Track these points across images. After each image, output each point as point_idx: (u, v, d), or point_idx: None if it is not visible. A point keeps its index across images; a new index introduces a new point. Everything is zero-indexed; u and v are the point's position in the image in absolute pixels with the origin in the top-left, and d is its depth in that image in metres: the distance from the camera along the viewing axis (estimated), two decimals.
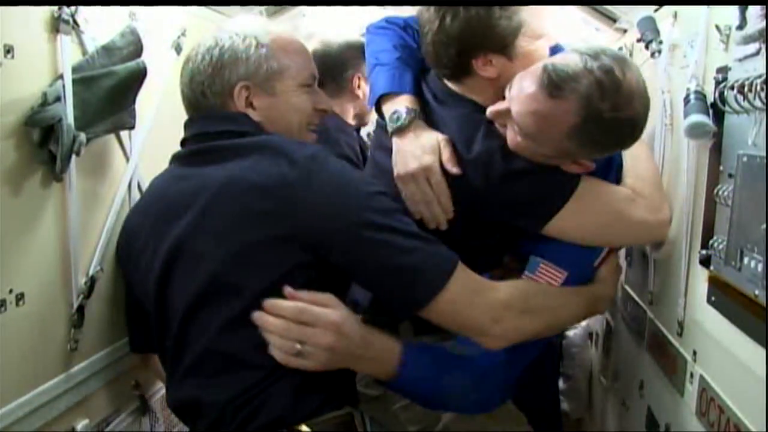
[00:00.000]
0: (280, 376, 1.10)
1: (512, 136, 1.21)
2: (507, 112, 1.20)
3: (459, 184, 1.24)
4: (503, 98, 1.24)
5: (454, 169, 1.22)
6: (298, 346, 1.06)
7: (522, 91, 1.17)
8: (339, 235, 1.06)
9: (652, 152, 1.39)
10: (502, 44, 1.24)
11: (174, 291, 1.15)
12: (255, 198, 1.06)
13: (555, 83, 1.13)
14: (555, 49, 1.35)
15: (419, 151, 1.25)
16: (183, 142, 1.26)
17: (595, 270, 1.31)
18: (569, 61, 1.14)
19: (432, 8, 1.25)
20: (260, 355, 1.08)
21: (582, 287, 1.28)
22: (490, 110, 1.24)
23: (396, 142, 1.30)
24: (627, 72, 1.14)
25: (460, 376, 1.18)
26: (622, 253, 1.89)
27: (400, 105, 1.32)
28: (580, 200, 1.23)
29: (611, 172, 1.33)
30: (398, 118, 1.29)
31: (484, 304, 1.14)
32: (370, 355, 1.10)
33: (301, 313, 1.06)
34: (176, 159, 1.25)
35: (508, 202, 1.21)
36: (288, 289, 1.06)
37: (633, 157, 1.33)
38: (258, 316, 1.07)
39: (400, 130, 1.29)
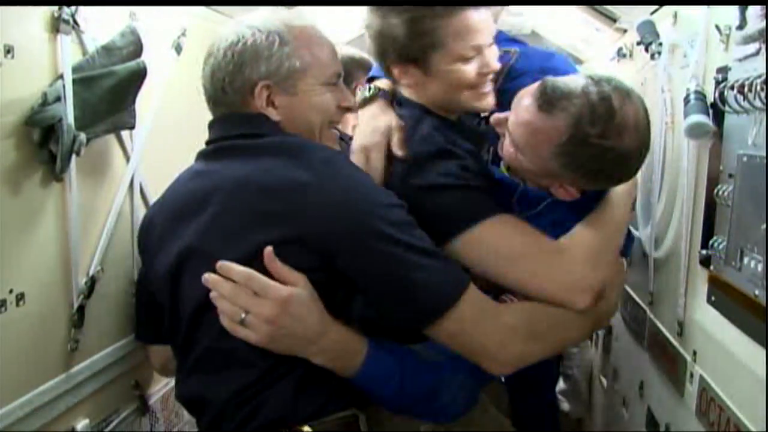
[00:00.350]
0: (282, 375, 1.09)
1: (506, 145, 1.23)
2: (506, 121, 1.22)
3: (391, 176, 1.26)
4: (451, 108, 1.30)
5: (399, 152, 1.24)
6: (243, 315, 1.05)
7: (519, 102, 1.19)
8: (346, 240, 1.04)
9: (621, 225, 1.28)
10: (408, 58, 1.26)
11: (184, 289, 1.15)
12: (264, 199, 1.06)
13: (548, 98, 1.13)
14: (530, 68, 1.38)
15: (370, 129, 1.28)
16: (207, 143, 1.25)
17: None
18: (570, 80, 1.15)
19: (372, 8, 1.29)
20: (260, 354, 1.08)
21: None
22: (494, 117, 1.26)
23: (359, 116, 1.35)
24: (627, 104, 1.12)
25: (423, 381, 1.16)
26: None
27: (374, 84, 1.38)
28: (488, 230, 1.18)
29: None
30: (364, 92, 1.35)
31: (491, 327, 1.12)
32: (325, 345, 1.07)
33: (249, 280, 1.04)
34: (200, 156, 1.24)
35: (415, 210, 1.15)
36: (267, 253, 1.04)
37: (594, 220, 1.24)
38: (209, 277, 1.06)
39: (364, 103, 1.34)
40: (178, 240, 1.15)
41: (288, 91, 1.16)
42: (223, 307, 1.07)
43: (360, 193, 1.07)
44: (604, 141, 1.11)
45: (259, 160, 1.10)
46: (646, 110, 1.16)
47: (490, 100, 1.33)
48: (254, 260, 1.05)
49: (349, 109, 1.28)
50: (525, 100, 1.17)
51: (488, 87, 1.31)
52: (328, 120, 1.22)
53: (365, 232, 1.04)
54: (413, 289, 1.06)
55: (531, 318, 1.17)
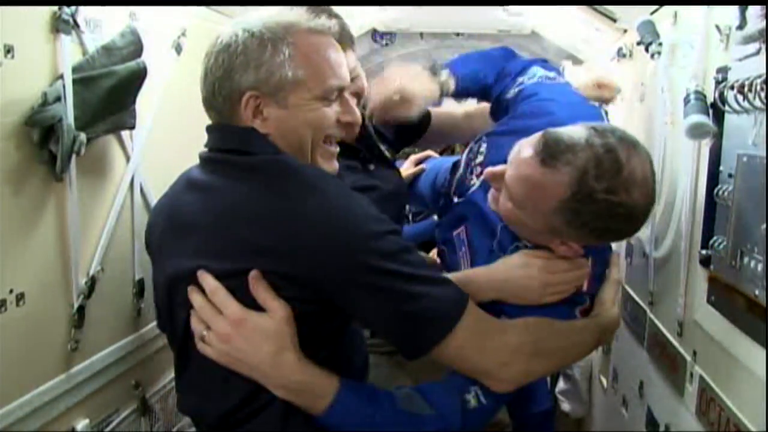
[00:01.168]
0: (268, 401, 1.07)
1: (503, 202, 1.16)
2: (502, 175, 1.15)
3: None
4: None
5: None
6: (204, 331, 1.05)
7: (518, 155, 1.12)
8: (336, 277, 1.00)
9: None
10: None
11: (178, 306, 1.13)
12: (253, 231, 1.01)
13: (550, 151, 1.06)
14: None
15: None
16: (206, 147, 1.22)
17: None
18: (573, 131, 1.08)
19: None
20: (242, 377, 1.06)
21: (589, 320, 1.22)
22: (488, 171, 1.19)
23: None
24: (634, 157, 1.05)
25: None
26: (622, 252, 1.89)
27: None
28: None
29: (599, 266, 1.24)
30: None
31: (492, 348, 1.09)
32: (284, 381, 1.03)
33: (213, 294, 1.03)
34: (200, 160, 1.19)
35: None
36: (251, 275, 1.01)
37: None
38: (190, 289, 1.05)
39: None
40: (171, 259, 1.12)
41: (278, 103, 1.08)
42: (192, 319, 1.07)
43: (349, 226, 1.01)
44: (611, 197, 1.03)
45: (249, 184, 1.05)
46: (651, 162, 1.09)
47: None
48: (243, 288, 1.02)
49: (350, 125, 1.18)
50: (525, 152, 1.10)
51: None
52: (322, 136, 1.13)
53: (355, 268, 1.00)
54: (407, 321, 1.03)
55: (537, 336, 1.13)
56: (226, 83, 1.08)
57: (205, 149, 1.19)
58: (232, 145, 1.11)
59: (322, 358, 1.08)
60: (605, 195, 1.03)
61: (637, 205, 1.06)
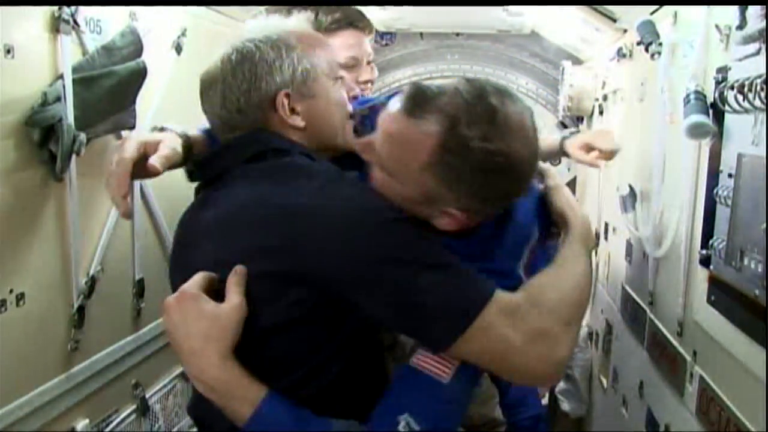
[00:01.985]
0: None
1: (376, 173, 1.04)
2: (373, 144, 1.03)
3: None
4: None
5: None
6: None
7: (385, 114, 1.01)
8: (342, 269, 0.97)
9: (585, 279, 1.09)
10: None
11: None
12: (258, 233, 1.01)
13: (417, 100, 0.96)
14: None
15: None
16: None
17: None
18: (441, 83, 1.00)
19: None
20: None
21: (567, 248, 1.11)
22: (358, 143, 1.09)
23: None
24: (508, 103, 0.96)
25: None
26: (622, 252, 1.89)
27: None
28: None
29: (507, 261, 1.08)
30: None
31: (523, 338, 0.97)
32: (199, 373, 0.99)
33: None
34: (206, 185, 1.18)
35: None
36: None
37: (554, 274, 1.07)
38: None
39: None
40: (184, 270, 1.10)
41: (306, 94, 1.15)
42: None
43: (358, 217, 0.98)
44: (486, 144, 0.93)
45: (252, 188, 1.06)
46: (532, 114, 1.00)
47: None
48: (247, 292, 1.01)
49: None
50: (391, 108, 1.00)
51: None
52: (347, 113, 1.23)
53: (366, 259, 0.96)
54: (424, 314, 0.97)
55: (556, 305, 1.01)
56: (254, 94, 1.12)
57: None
58: (272, 146, 1.11)
59: (336, 374, 1.04)
60: (480, 143, 0.93)
61: (517, 156, 0.95)
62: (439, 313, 0.97)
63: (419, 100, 0.96)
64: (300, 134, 1.15)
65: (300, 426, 0.98)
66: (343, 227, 0.98)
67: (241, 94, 1.11)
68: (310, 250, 0.98)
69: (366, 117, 1.33)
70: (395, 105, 0.99)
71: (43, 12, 1.21)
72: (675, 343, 1.36)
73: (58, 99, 1.20)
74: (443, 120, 0.94)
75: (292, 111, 1.14)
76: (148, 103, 1.53)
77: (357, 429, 1.01)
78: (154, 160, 1.15)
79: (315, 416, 1.00)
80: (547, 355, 0.99)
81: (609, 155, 1.64)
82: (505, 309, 0.98)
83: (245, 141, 1.13)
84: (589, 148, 1.64)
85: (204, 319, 0.98)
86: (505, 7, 2.50)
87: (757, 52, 1.00)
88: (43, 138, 1.19)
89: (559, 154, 1.74)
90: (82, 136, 1.24)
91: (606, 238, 2.25)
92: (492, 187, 0.97)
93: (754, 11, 1.00)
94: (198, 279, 1.01)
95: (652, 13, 1.62)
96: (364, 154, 1.06)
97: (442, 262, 0.98)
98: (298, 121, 1.14)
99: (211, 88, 1.14)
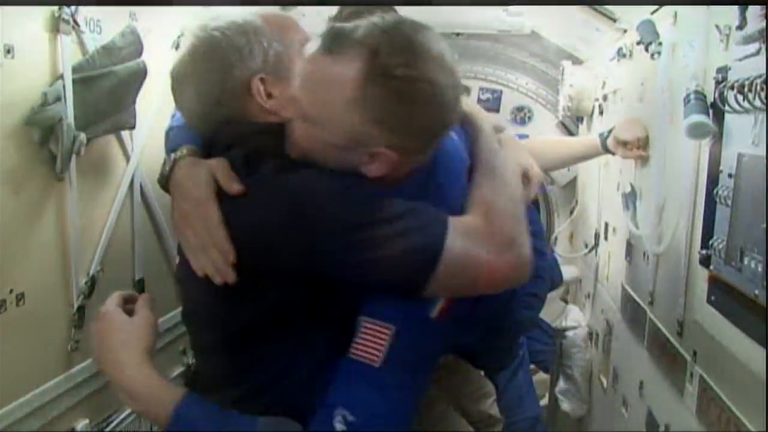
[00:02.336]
0: (252, 402, 1.04)
1: (297, 128, 1.00)
2: (293, 99, 1.01)
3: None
4: None
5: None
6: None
7: (303, 61, 1.00)
8: (314, 250, 0.96)
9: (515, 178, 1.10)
10: None
11: (183, 306, 1.15)
12: (233, 225, 0.98)
13: (333, 38, 0.94)
14: None
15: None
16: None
17: (436, 324, 1.03)
18: (358, 21, 0.98)
19: None
20: (231, 381, 1.05)
21: (485, 145, 1.10)
22: (276, 103, 1.08)
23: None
24: (423, 31, 0.96)
25: None
26: (622, 252, 1.89)
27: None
28: None
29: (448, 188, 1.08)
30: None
31: (487, 252, 0.98)
32: (117, 382, 1.01)
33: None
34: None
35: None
36: None
37: (489, 176, 1.07)
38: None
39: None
40: (186, 268, 1.11)
41: (281, 76, 1.09)
42: None
43: (311, 195, 0.97)
44: (409, 71, 0.92)
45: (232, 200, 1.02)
46: (449, 48, 0.98)
47: None
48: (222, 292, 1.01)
49: None
50: (309, 51, 0.98)
51: None
52: None
53: (327, 231, 0.96)
54: (392, 264, 0.96)
55: (506, 208, 1.02)
56: (228, 83, 1.09)
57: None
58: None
59: (308, 374, 1.04)
60: (403, 70, 0.92)
61: (440, 82, 0.94)
62: (407, 258, 0.96)
63: (336, 37, 0.95)
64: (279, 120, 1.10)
65: (220, 426, 0.98)
66: (301, 206, 0.96)
67: (214, 85, 1.09)
68: (275, 238, 0.97)
69: None
70: (314, 47, 0.97)
71: (43, 12, 1.21)
72: (675, 343, 1.36)
73: (58, 99, 1.20)
74: (363, 52, 0.92)
75: (269, 96, 1.10)
76: (148, 103, 1.53)
77: (288, 427, 1.00)
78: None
79: (239, 415, 1.00)
80: (516, 260, 1.00)
81: (644, 143, 1.73)
82: (464, 232, 0.98)
83: (224, 134, 1.10)
84: (624, 144, 1.77)
85: (119, 331, 1.03)
86: (505, 7, 2.50)
87: (757, 52, 1.00)
88: (44, 138, 1.19)
89: (602, 153, 1.93)
90: (82, 136, 1.24)
91: (606, 238, 2.25)
92: (418, 117, 0.96)
93: (754, 11, 1.00)
94: (114, 297, 1.07)
95: (652, 13, 1.62)
96: (284, 112, 1.04)
97: (395, 212, 0.97)
98: (275, 106, 1.09)
99: (183, 83, 1.12)
